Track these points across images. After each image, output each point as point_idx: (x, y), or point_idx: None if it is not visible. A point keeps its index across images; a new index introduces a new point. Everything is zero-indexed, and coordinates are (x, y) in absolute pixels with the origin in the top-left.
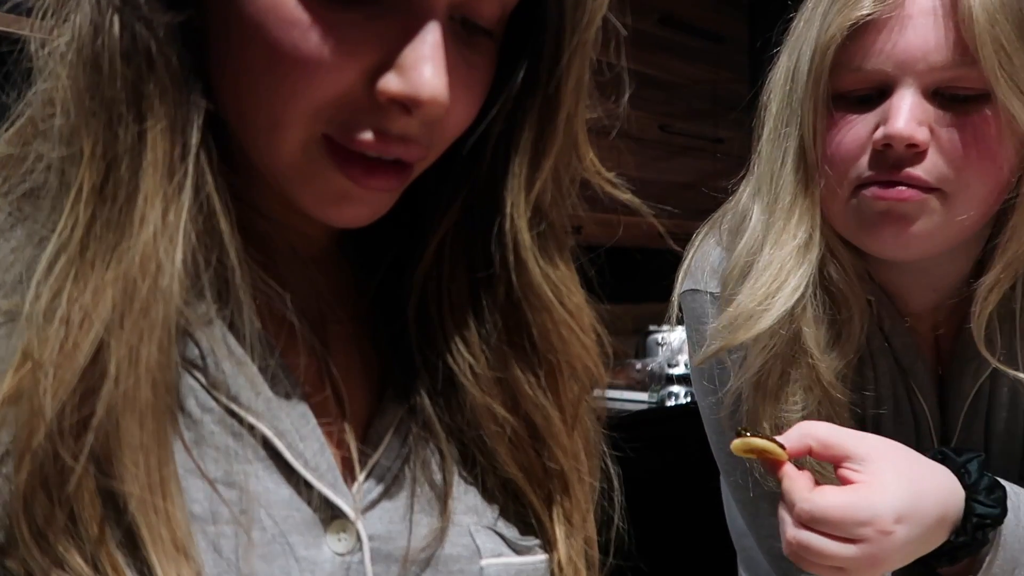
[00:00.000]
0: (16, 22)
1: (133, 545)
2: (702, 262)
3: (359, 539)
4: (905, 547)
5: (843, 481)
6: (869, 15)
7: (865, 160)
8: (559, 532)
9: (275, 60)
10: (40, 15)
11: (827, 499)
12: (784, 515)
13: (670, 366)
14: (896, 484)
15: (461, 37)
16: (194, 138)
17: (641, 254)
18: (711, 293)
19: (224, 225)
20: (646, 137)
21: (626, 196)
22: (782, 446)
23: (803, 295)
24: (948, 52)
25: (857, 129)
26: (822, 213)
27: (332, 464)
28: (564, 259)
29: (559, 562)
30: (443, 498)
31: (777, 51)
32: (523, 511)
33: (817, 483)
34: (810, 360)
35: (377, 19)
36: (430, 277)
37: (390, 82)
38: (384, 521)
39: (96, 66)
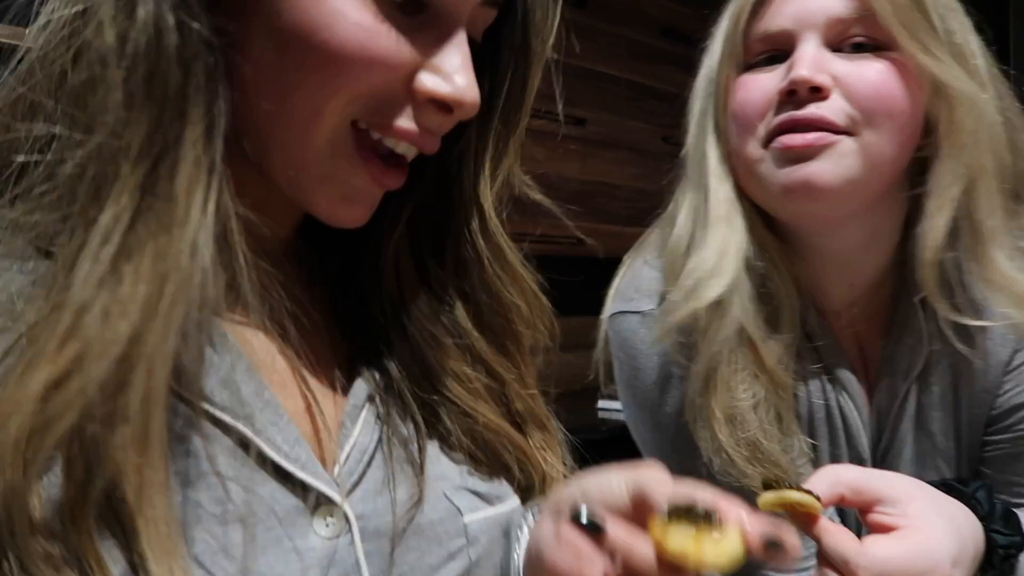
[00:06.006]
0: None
1: (127, 539)
2: (630, 283)
3: (346, 521)
4: None
5: (875, 526)
6: None
7: (772, 113)
8: (540, 456)
9: (337, 57)
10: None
11: (884, 552)
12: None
13: None
14: (944, 527)
15: None
16: (219, 141)
17: None
18: (640, 312)
19: (236, 226)
20: (649, 148)
21: (537, 197)
22: (816, 497)
23: (746, 257)
24: (845, 4)
25: (764, 84)
26: (744, 189)
27: (310, 453)
28: (501, 217)
29: (544, 476)
30: (419, 464)
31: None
32: (493, 457)
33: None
34: (754, 345)
35: (423, 26)
36: (401, 249)
37: (437, 84)
38: (368, 500)
39: (154, 62)
